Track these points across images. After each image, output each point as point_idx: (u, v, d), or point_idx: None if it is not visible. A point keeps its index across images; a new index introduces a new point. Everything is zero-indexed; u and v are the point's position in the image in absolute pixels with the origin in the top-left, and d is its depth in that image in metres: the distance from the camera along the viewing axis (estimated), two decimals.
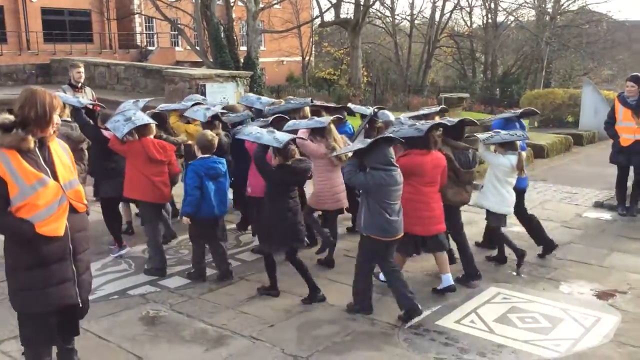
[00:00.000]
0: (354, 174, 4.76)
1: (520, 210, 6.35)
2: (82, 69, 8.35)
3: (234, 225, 7.27)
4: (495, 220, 5.95)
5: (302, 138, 5.86)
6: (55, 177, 3.28)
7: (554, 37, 36.18)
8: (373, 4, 33.04)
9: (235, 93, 12.11)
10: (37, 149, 3.25)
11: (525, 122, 7.07)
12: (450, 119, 5.93)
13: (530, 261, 6.21)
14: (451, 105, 12.52)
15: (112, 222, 6.41)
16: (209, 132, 5.70)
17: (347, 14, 36.00)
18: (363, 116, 6.78)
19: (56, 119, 3.28)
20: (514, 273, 5.92)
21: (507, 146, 5.74)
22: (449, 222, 5.53)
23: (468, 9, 41.39)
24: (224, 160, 5.64)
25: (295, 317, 4.89)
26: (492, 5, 39.42)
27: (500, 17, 40.22)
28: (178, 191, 6.43)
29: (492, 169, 5.87)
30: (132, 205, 6.94)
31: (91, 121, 6.25)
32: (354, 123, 7.34)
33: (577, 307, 5.09)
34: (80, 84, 8.30)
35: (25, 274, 3.30)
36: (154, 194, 5.77)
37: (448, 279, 5.38)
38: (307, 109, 6.94)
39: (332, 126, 5.98)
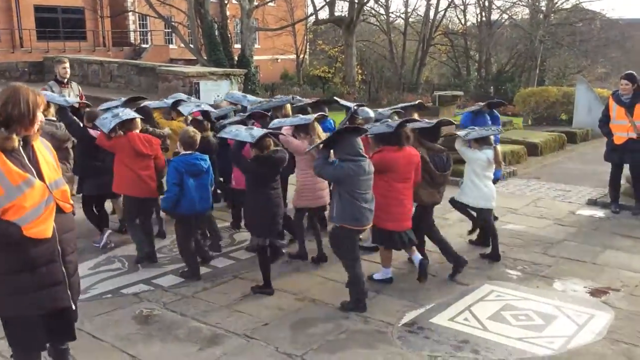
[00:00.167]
0: (323, 167, 4.86)
1: None
2: (67, 65, 8.35)
3: (228, 224, 7.26)
4: (479, 214, 6.14)
5: (285, 135, 5.92)
6: (41, 177, 3.17)
7: (548, 35, 36.30)
8: (367, 1, 33.11)
9: (230, 90, 12.07)
10: (21, 149, 3.13)
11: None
12: (429, 121, 6.03)
13: (523, 259, 6.23)
14: (445, 103, 12.57)
15: (91, 214, 6.59)
16: (191, 129, 5.78)
17: (342, 11, 36.11)
18: (348, 110, 6.88)
19: (40, 116, 3.17)
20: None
21: (481, 141, 5.91)
22: (423, 222, 5.73)
23: (462, 7, 41.59)
24: (206, 157, 5.69)
25: (290, 316, 4.88)
26: (486, 4, 39.59)
27: (495, 15, 40.44)
28: None
29: (470, 165, 6.01)
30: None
31: (77, 120, 6.27)
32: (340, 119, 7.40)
33: (570, 305, 5.10)
34: (66, 80, 8.31)
35: (13, 278, 3.17)
36: (141, 188, 5.85)
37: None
38: (289, 107, 7.09)
39: (316, 123, 6.08)
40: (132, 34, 36.18)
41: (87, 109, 6.74)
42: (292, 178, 6.69)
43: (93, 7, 32.29)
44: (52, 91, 7.64)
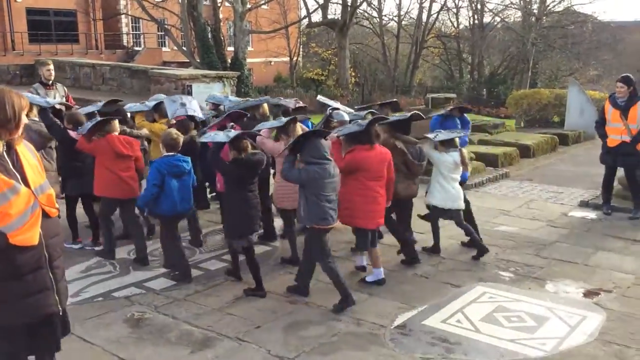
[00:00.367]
0: (289, 171, 4.99)
1: None
2: (51, 67, 8.41)
3: (220, 227, 7.23)
4: (439, 213, 6.27)
5: (261, 136, 6.05)
6: (26, 183, 3.05)
7: (540, 38, 36.47)
8: (360, 4, 33.16)
9: (222, 93, 12.05)
10: (5, 154, 3.01)
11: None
12: (403, 114, 6.30)
13: (516, 260, 6.24)
14: (438, 105, 12.59)
15: (72, 217, 6.61)
16: (173, 131, 5.84)
17: (335, 14, 36.13)
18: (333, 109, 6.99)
19: (25, 119, 3.13)
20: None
21: (447, 144, 6.07)
22: (400, 216, 5.97)
23: (455, 10, 41.70)
24: (188, 159, 5.76)
25: (282, 318, 4.86)
26: (479, 6, 39.70)
27: (487, 18, 40.54)
28: None
29: (437, 167, 6.17)
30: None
31: (58, 121, 6.32)
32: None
33: (562, 306, 5.11)
34: (51, 82, 8.34)
35: (0, 286, 3.07)
36: (122, 189, 5.95)
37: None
38: (266, 107, 7.20)
39: (297, 125, 6.15)
40: (124, 37, 36.06)
41: (68, 111, 6.79)
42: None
43: (85, 10, 32.15)
44: (38, 93, 7.65)
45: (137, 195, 6.12)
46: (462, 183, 6.54)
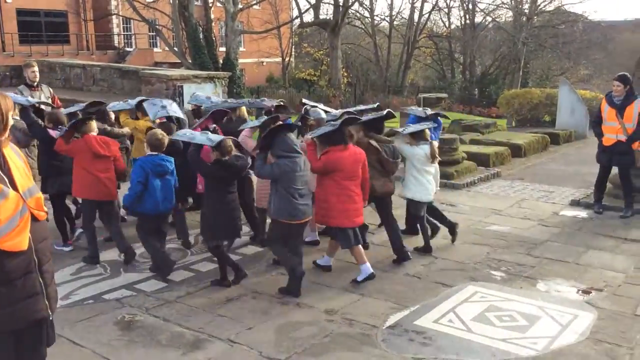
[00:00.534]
0: (261, 167, 5.16)
1: None
2: (36, 68, 8.45)
3: None
4: (415, 208, 6.40)
5: (244, 136, 6.12)
6: (14, 186, 2.98)
7: (531, 38, 36.60)
8: (352, 4, 33.14)
9: (214, 94, 12.00)
10: None
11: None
12: (378, 113, 6.37)
13: (507, 259, 6.25)
14: (430, 105, 12.61)
15: (60, 217, 6.59)
16: (159, 131, 5.88)
17: (327, 14, 36.11)
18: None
19: (11, 121, 3.08)
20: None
21: (418, 138, 6.20)
22: (381, 213, 6.16)
23: (446, 10, 41.78)
24: (171, 159, 5.81)
25: (274, 319, 4.84)
26: (470, 6, 39.79)
27: (478, 18, 40.64)
28: None
29: (409, 161, 6.31)
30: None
31: (39, 120, 6.35)
32: None
33: (554, 305, 5.12)
34: (36, 83, 8.37)
35: None
36: (99, 190, 5.95)
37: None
38: (244, 109, 7.36)
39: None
40: (116, 38, 35.91)
41: (48, 110, 6.82)
42: None
43: (76, 11, 31.98)
44: (22, 95, 7.68)
45: (115, 198, 6.19)
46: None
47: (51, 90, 8.69)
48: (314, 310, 5.02)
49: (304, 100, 7.77)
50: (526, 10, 38.73)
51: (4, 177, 2.98)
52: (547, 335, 4.58)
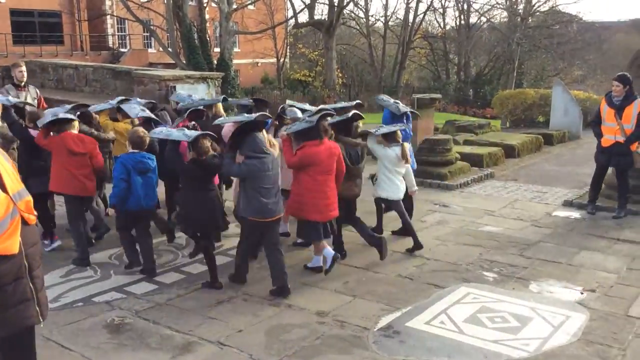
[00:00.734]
0: (230, 166, 5.19)
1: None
2: (23, 68, 8.48)
3: None
4: (389, 207, 6.62)
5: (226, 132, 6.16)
6: (4, 189, 2.96)
7: (525, 38, 36.66)
8: (347, 5, 33.09)
9: (207, 94, 11.97)
10: None
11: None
12: (344, 116, 6.36)
13: (500, 260, 6.23)
14: (424, 106, 12.56)
15: (43, 217, 6.53)
16: (140, 129, 5.96)
17: (321, 15, 36.05)
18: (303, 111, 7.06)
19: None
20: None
21: (390, 139, 6.31)
22: (346, 214, 6.10)
23: (441, 11, 41.82)
24: (153, 157, 5.87)
25: (264, 322, 4.81)
26: (465, 7, 39.83)
27: (473, 19, 40.69)
28: None
29: (381, 161, 6.43)
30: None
31: (20, 119, 6.42)
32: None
33: (546, 306, 5.10)
34: (23, 83, 8.41)
35: None
36: (75, 186, 6.02)
37: (319, 260, 5.81)
38: (220, 106, 7.46)
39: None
40: (110, 38, 35.78)
41: (29, 109, 6.84)
42: None
43: (70, 11, 31.85)
44: (9, 94, 7.75)
45: (92, 194, 6.32)
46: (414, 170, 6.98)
47: (38, 91, 8.75)
48: (305, 312, 4.99)
49: (288, 102, 7.78)
50: (521, 11, 38.80)
51: None
52: (539, 336, 4.56)
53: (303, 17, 33.79)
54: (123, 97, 7.77)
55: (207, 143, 5.34)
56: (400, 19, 41.03)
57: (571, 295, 5.36)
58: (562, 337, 4.55)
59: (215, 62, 25.55)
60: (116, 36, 36.19)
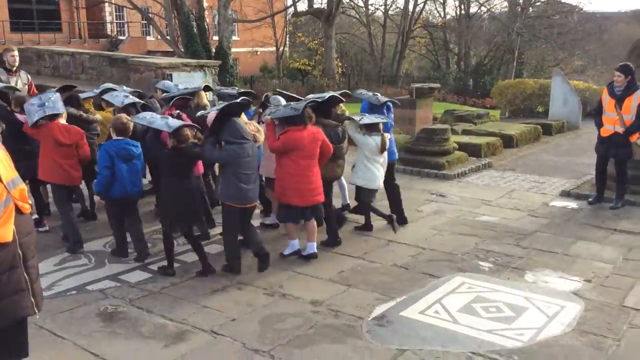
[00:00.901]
0: (210, 151, 5.22)
1: (387, 180, 6.86)
2: (16, 53, 8.51)
3: None
4: (365, 195, 6.54)
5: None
6: None
7: (526, 28, 36.47)
8: None
9: (203, 82, 11.88)
10: None
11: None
12: (320, 95, 6.48)
13: (496, 250, 6.21)
14: (422, 95, 12.51)
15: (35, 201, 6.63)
16: (123, 116, 5.96)
17: (321, 3, 35.88)
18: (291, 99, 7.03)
19: None
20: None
21: (371, 128, 6.34)
22: (327, 197, 6.10)
23: (441, 0, 41.55)
24: (137, 143, 5.86)
25: (258, 311, 4.79)
26: None
27: (473, 8, 40.45)
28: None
29: (361, 150, 6.45)
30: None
31: (4, 104, 6.43)
32: None
33: (541, 296, 5.09)
34: (14, 68, 8.43)
35: None
36: (61, 175, 6.06)
37: (295, 245, 5.91)
38: (202, 95, 7.42)
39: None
40: (108, 26, 35.57)
41: (15, 94, 6.84)
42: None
43: None
44: (0, 79, 7.82)
45: (76, 182, 6.33)
46: (392, 164, 6.94)
47: (29, 77, 8.77)
48: (299, 301, 4.97)
49: (277, 91, 7.74)
50: (521, 1, 38.58)
51: None
52: (533, 326, 4.55)
53: (302, 6, 33.77)
54: (108, 86, 7.75)
55: (188, 131, 5.33)
56: (400, 8, 40.86)
57: (566, 286, 5.34)
58: (556, 327, 4.54)
59: (213, 50, 25.42)
60: (114, 24, 35.98)
